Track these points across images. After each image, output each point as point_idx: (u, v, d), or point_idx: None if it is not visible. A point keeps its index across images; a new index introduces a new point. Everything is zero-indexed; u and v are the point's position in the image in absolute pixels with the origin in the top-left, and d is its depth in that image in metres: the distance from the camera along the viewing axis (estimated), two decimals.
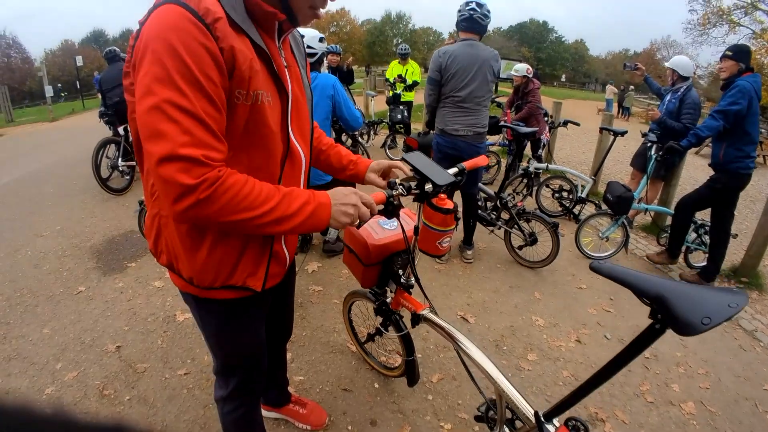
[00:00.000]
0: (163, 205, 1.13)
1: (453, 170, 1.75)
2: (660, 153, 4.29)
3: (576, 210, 5.34)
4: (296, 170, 1.30)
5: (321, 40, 3.43)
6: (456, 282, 3.87)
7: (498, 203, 4.22)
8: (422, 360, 2.82)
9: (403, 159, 1.61)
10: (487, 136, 4.40)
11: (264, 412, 2.21)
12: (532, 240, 4.04)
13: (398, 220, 1.59)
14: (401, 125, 7.79)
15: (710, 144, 4.09)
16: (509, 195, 4.30)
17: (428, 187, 1.57)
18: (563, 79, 56.28)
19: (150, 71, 0.93)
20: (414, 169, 1.56)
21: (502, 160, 7.10)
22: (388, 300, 2.08)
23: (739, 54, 3.79)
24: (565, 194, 5.42)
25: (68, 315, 3.05)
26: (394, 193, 1.45)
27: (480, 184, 4.29)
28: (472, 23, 3.52)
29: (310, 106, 1.39)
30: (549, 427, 1.46)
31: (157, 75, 0.93)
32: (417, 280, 1.90)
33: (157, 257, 1.29)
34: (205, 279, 1.23)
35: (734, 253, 4.74)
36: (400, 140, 7.61)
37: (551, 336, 3.20)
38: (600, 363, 2.82)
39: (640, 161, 5.25)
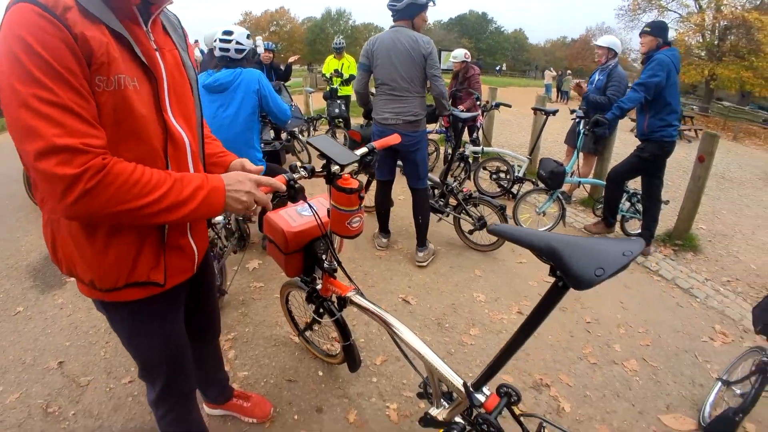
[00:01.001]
0: (51, 205, 1.08)
1: (362, 150, 1.81)
2: (587, 127, 4.45)
3: (514, 190, 5.49)
4: (181, 155, 1.27)
5: (248, 36, 3.39)
6: (397, 267, 3.90)
7: (444, 190, 4.22)
8: (366, 344, 2.84)
9: (308, 143, 1.63)
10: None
11: (209, 410, 2.24)
12: (481, 224, 4.06)
13: (311, 206, 1.67)
14: (340, 119, 7.76)
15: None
16: (455, 181, 4.30)
17: (335, 168, 1.64)
18: (503, 68, 57.33)
19: (10, 72, 0.91)
20: (318, 151, 1.62)
21: (440, 147, 7.19)
22: (318, 287, 2.08)
23: (656, 29, 4.00)
24: (502, 175, 5.56)
25: (7, 336, 2.90)
26: (296, 176, 1.50)
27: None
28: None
29: (194, 89, 1.38)
30: (479, 396, 1.50)
31: (17, 74, 0.91)
32: (338, 263, 1.93)
33: (60, 267, 1.26)
34: (107, 280, 1.21)
35: (669, 219, 5.00)
36: (340, 135, 7.59)
37: (493, 310, 3.29)
38: (542, 332, 2.99)
39: (572, 138, 5.45)
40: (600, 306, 3.48)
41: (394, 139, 2.14)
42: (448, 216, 4.31)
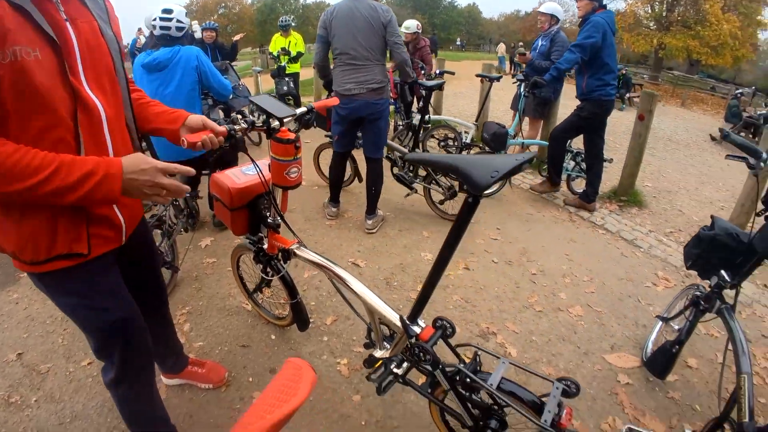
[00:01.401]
0: None
1: (301, 109, 1.89)
2: (527, 89, 4.54)
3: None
4: (96, 123, 1.24)
5: (186, 14, 3.35)
6: (347, 234, 3.91)
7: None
8: (316, 306, 2.87)
9: (250, 101, 1.68)
10: None
11: (166, 380, 2.25)
12: (451, 193, 3.99)
13: (255, 164, 1.82)
14: (289, 97, 7.68)
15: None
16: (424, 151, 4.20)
17: (275, 124, 1.74)
18: (458, 42, 57.53)
19: None
20: (260, 108, 1.73)
21: (390, 119, 7.18)
22: (264, 246, 2.13)
23: None
24: (450, 142, 5.59)
25: None
26: (236, 127, 1.56)
27: (391, 143, 4.16)
28: None
29: (116, 59, 1.34)
30: (414, 328, 1.56)
31: None
32: (281, 217, 1.98)
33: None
34: (27, 252, 1.21)
35: (615, 178, 5.16)
36: None
37: None
38: (489, 285, 3.06)
39: (516, 103, 5.53)
40: (545, 259, 3.58)
41: (333, 101, 2.23)
42: (414, 189, 4.24)
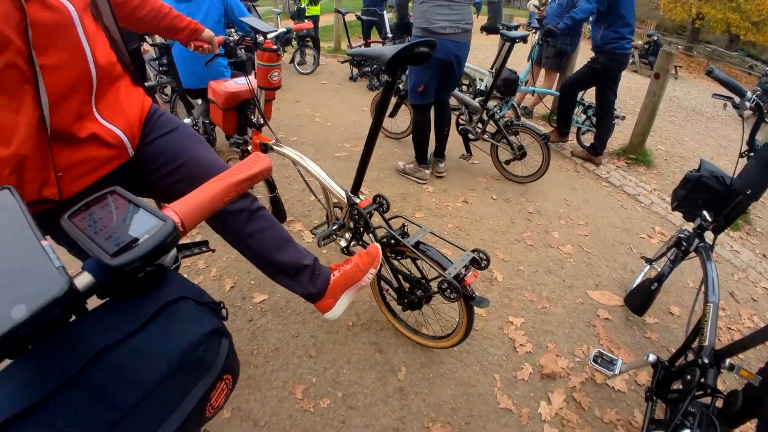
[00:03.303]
0: None
1: (281, 30, 2.24)
2: (541, 38, 4.49)
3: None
4: (65, 31, 1.05)
5: None
6: (354, 165, 3.95)
7: (484, 115, 3.86)
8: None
9: (241, 20, 2.41)
10: None
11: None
12: (521, 153, 3.75)
13: (246, 77, 2.15)
14: (308, 39, 7.65)
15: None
16: (495, 106, 3.98)
17: (260, 39, 2.11)
18: None
19: None
20: (251, 27, 2.14)
21: None
22: (249, 148, 2.40)
23: None
24: (465, 88, 5.57)
25: None
26: (230, 38, 2.13)
27: (463, 96, 3.97)
28: None
29: None
30: (355, 198, 1.88)
31: None
32: (264, 119, 2.26)
33: None
34: None
35: (627, 136, 5.12)
36: (309, 55, 7.51)
37: (440, 199, 3.47)
38: (485, 217, 3.18)
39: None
40: (544, 201, 3.66)
41: (307, 24, 2.60)
42: (470, 153, 4.10)
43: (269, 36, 2.12)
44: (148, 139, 1.35)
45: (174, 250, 0.60)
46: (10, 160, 1.00)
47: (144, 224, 0.58)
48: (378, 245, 1.74)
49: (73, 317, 0.57)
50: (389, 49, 1.48)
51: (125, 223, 0.59)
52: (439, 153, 3.87)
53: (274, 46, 2.10)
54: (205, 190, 0.67)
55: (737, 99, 2.01)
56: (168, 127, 1.41)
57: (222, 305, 0.70)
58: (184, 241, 1.24)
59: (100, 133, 1.16)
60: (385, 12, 7.30)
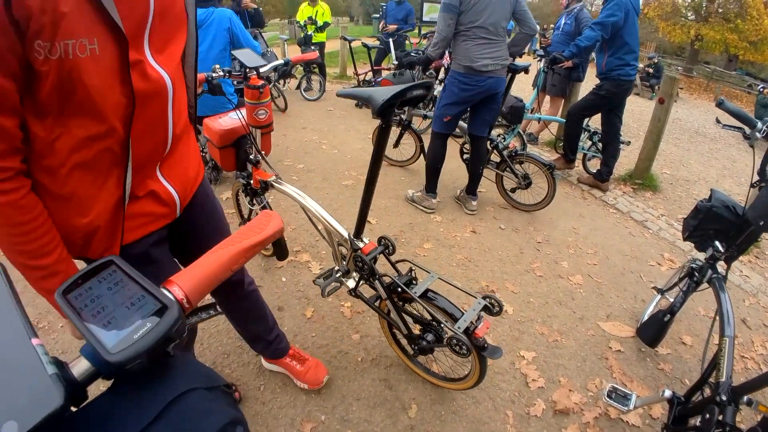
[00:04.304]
0: None
1: (277, 62, 2.22)
2: (546, 65, 4.54)
3: None
4: (159, 106, 1.06)
5: None
6: (360, 193, 3.97)
7: (488, 145, 3.81)
8: (328, 254, 3.02)
9: (231, 53, 2.00)
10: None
11: (265, 364, 2.16)
12: (526, 183, 3.76)
13: (238, 113, 2.06)
14: (314, 65, 7.76)
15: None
16: (499, 136, 4.03)
17: (251, 74, 2.04)
18: None
19: None
20: (237, 59, 2.05)
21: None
22: (251, 182, 2.36)
23: None
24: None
25: None
26: (214, 75, 1.92)
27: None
28: None
29: (191, 21, 1.16)
30: (358, 242, 1.81)
31: None
32: (261, 155, 2.22)
33: None
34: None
35: (632, 161, 5.15)
36: (315, 82, 7.61)
37: (448, 229, 3.47)
38: (493, 248, 3.17)
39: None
40: (552, 229, 3.66)
41: (310, 55, 2.50)
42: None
43: (262, 70, 2.07)
44: (195, 209, 1.37)
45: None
46: (84, 228, 1.04)
47: (146, 308, 0.53)
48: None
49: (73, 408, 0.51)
50: (380, 94, 1.41)
51: (125, 305, 0.53)
52: (472, 190, 3.83)
53: (260, 83, 2.02)
54: (213, 259, 0.62)
55: (747, 130, 2.02)
56: (210, 204, 1.48)
57: (234, 387, 0.67)
58: None
59: (158, 191, 1.16)
60: (390, 39, 7.41)
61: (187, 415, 0.53)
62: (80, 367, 0.52)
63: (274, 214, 0.69)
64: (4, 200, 0.86)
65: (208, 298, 1.88)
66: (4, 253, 0.95)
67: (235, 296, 1.76)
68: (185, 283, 0.58)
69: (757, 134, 1.98)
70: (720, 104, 2.00)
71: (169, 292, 0.56)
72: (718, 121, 2.24)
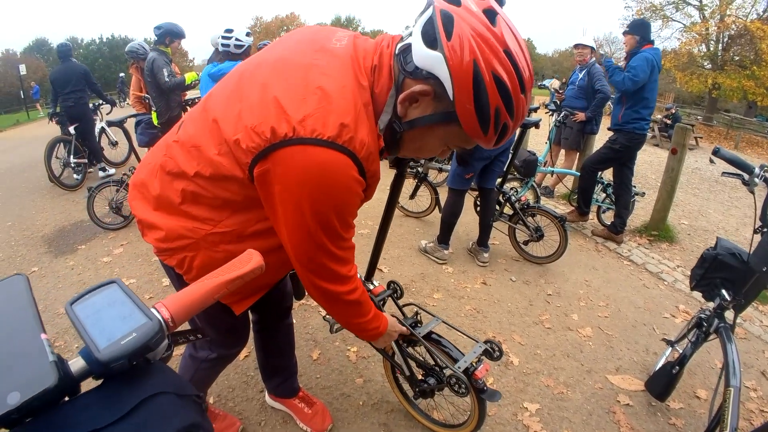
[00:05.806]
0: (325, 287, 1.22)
1: None
2: (558, 119, 4.66)
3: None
4: None
5: (248, 34, 4.00)
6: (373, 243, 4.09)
7: (500, 198, 3.92)
8: None
9: None
10: None
11: (268, 400, 2.24)
12: (538, 235, 3.81)
13: None
14: None
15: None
16: (512, 189, 4.17)
17: None
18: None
19: (319, 228, 1.03)
20: None
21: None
22: None
23: (635, 28, 4.24)
24: None
25: None
26: None
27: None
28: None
29: None
30: (368, 285, 1.94)
31: (328, 233, 1.05)
32: None
33: (184, 273, 1.28)
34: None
35: (648, 211, 5.14)
36: None
37: (458, 280, 3.52)
38: (503, 300, 3.21)
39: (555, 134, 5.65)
40: (564, 282, 3.67)
41: None
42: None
43: None
44: None
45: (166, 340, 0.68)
46: (266, 288, 1.44)
47: (134, 321, 0.64)
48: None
49: (67, 398, 0.63)
50: None
51: (118, 317, 0.65)
52: (483, 242, 3.89)
53: None
54: (199, 287, 0.73)
55: (746, 176, 2.02)
56: None
57: (202, 398, 0.77)
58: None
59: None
60: None
61: (155, 414, 0.64)
62: (76, 364, 0.63)
63: (255, 253, 0.79)
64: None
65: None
66: (359, 336, 1.52)
67: (277, 325, 1.97)
68: (172, 305, 0.68)
69: (756, 179, 1.98)
70: (716, 152, 2.04)
71: (157, 311, 0.66)
72: (712, 162, 2.27)
